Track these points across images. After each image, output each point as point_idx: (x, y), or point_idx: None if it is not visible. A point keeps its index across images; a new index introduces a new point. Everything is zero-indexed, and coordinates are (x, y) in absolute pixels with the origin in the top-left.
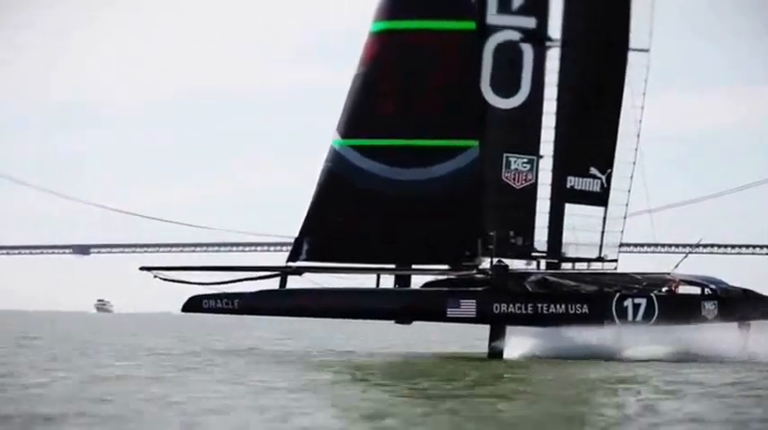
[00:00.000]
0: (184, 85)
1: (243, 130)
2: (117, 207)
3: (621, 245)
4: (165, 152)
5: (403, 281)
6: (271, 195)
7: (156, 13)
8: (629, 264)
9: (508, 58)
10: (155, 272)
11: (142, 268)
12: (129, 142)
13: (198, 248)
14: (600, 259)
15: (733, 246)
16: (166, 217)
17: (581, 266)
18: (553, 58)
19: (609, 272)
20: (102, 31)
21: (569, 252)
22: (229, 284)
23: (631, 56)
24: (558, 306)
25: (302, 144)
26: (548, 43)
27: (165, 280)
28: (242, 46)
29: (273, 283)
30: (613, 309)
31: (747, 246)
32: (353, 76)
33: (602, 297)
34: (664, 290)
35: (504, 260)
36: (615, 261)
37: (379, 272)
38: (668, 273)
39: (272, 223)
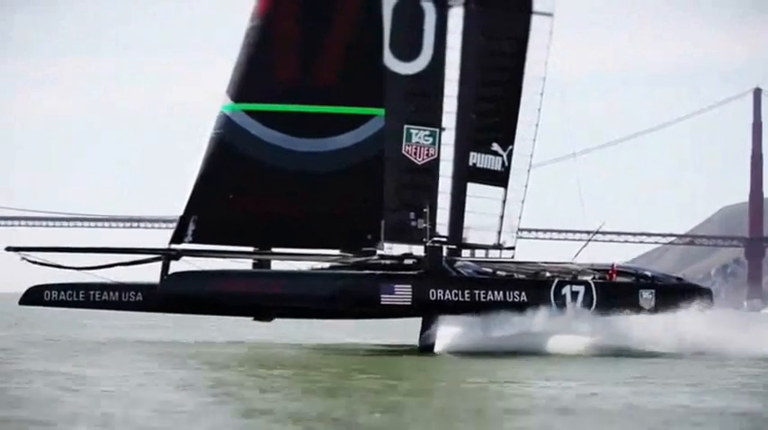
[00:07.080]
0: None
1: None
2: None
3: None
4: None
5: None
6: None
7: None
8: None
9: (409, 18)
10: (22, 253)
11: (8, 248)
12: None
13: None
14: (498, 246)
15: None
16: None
17: (480, 254)
18: (456, 18)
19: (510, 261)
20: None
21: (469, 237)
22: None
23: (534, 19)
24: (496, 293)
25: None
26: (450, 2)
27: (33, 262)
28: None
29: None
30: (551, 296)
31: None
32: (246, 29)
33: (541, 284)
34: (598, 277)
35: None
36: (513, 248)
37: (273, 257)
38: (570, 262)
39: None
